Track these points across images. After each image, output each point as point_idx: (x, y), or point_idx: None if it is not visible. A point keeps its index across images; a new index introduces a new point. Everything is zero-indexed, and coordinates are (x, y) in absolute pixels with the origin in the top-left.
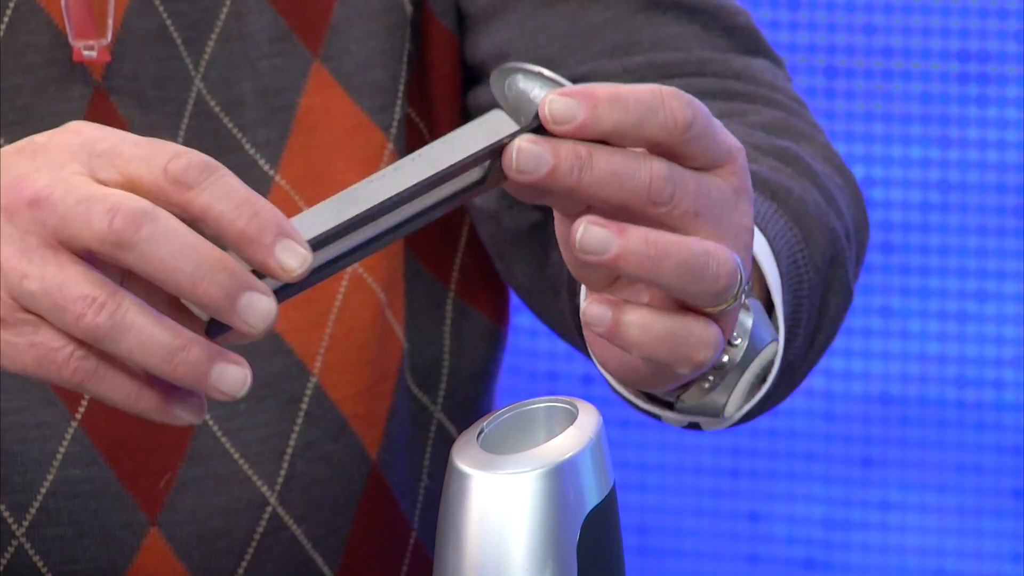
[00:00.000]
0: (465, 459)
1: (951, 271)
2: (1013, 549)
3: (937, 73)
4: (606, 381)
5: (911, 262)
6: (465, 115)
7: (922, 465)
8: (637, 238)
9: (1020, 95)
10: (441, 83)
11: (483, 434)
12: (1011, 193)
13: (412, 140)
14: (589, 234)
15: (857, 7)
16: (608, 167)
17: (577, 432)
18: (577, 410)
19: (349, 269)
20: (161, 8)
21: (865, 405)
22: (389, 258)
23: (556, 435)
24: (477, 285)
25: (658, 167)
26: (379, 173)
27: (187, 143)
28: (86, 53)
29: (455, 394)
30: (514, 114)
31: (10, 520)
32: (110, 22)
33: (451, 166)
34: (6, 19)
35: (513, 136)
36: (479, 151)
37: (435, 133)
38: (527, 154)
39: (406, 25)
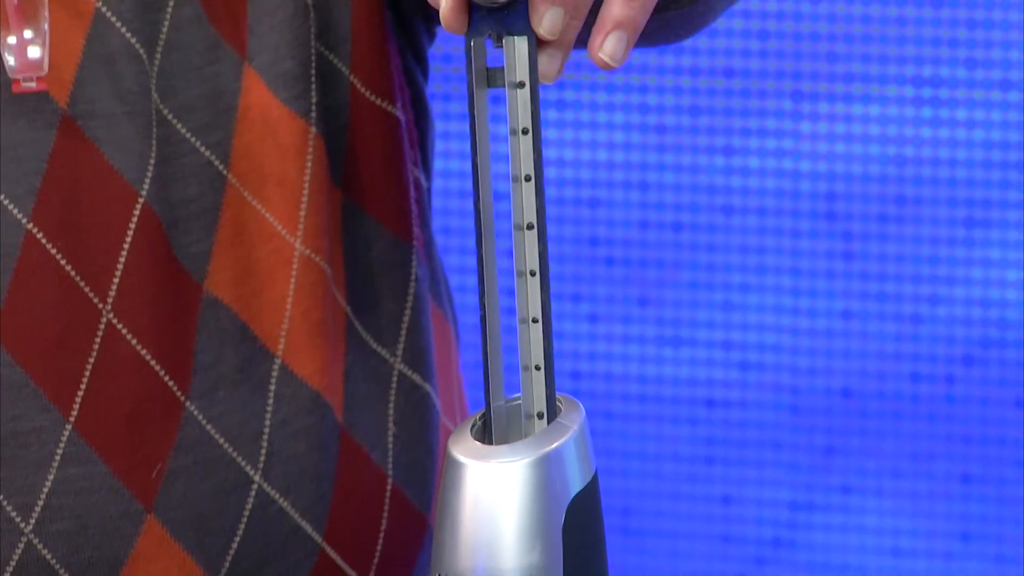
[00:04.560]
0: (461, 449)
1: (906, 277)
2: (961, 529)
3: (894, 97)
4: None
5: (869, 269)
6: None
7: (879, 453)
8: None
9: (968, 117)
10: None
11: (476, 426)
12: (961, 207)
13: (332, 114)
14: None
15: (821, 37)
16: None
17: (562, 425)
18: (562, 404)
19: (296, 253)
20: (121, 27)
21: (827, 399)
22: (333, 230)
23: (543, 430)
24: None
25: None
26: None
27: (159, 159)
28: (25, 84)
29: (412, 346)
30: None
31: (18, 519)
32: (46, 57)
33: None
34: None
35: None
36: None
37: (361, 76)
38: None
39: (307, 11)
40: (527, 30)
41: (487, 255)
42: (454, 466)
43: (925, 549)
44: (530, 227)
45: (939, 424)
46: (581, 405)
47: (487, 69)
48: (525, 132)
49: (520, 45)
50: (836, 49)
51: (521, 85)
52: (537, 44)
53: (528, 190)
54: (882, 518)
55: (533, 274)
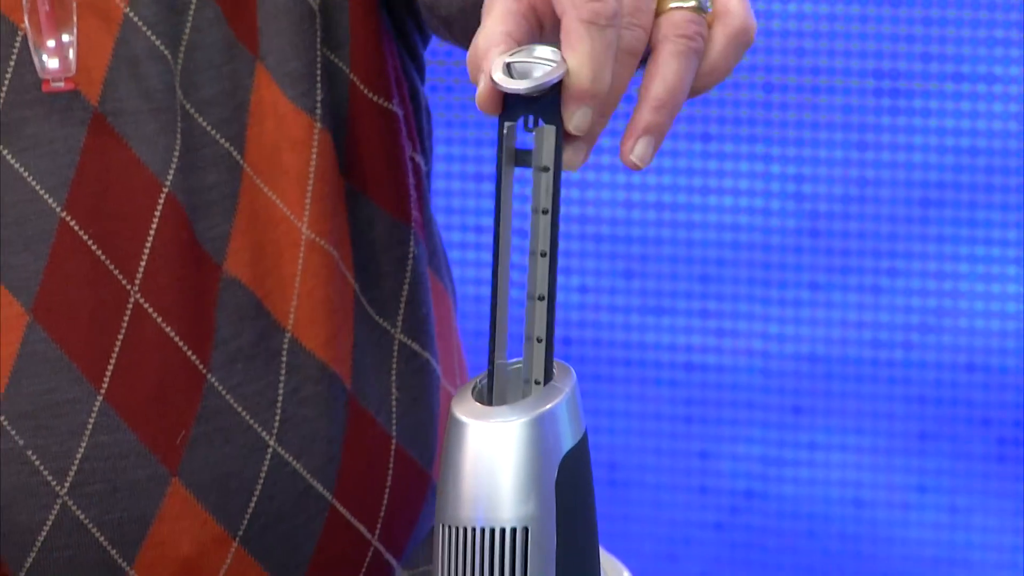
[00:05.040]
0: (463, 410)
1: (867, 252)
2: (917, 482)
3: (856, 88)
4: None
5: (834, 245)
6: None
7: (843, 413)
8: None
9: (923, 106)
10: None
11: (477, 388)
12: (916, 187)
13: (334, 106)
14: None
15: (790, 34)
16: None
17: (555, 388)
18: (555, 369)
19: (303, 237)
20: (147, 31)
21: (796, 363)
22: (337, 216)
23: (539, 393)
24: (429, 216)
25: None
26: None
27: (183, 151)
28: (54, 84)
29: (411, 317)
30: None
31: (54, 483)
32: (74, 59)
33: None
34: (12, 61)
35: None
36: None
37: (359, 74)
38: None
39: (313, 16)
40: (556, 120)
41: (502, 277)
42: (457, 425)
43: (885, 500)
44: (543, 295)
45: (897, 386)
46: (573, 370)
47: (516, 150)
48: (545, 212)
49: (549, 133)
50: (804, 45)
51: (546, 169)
52: (565, 136)
53: (543, 263)
54: (845, 471)
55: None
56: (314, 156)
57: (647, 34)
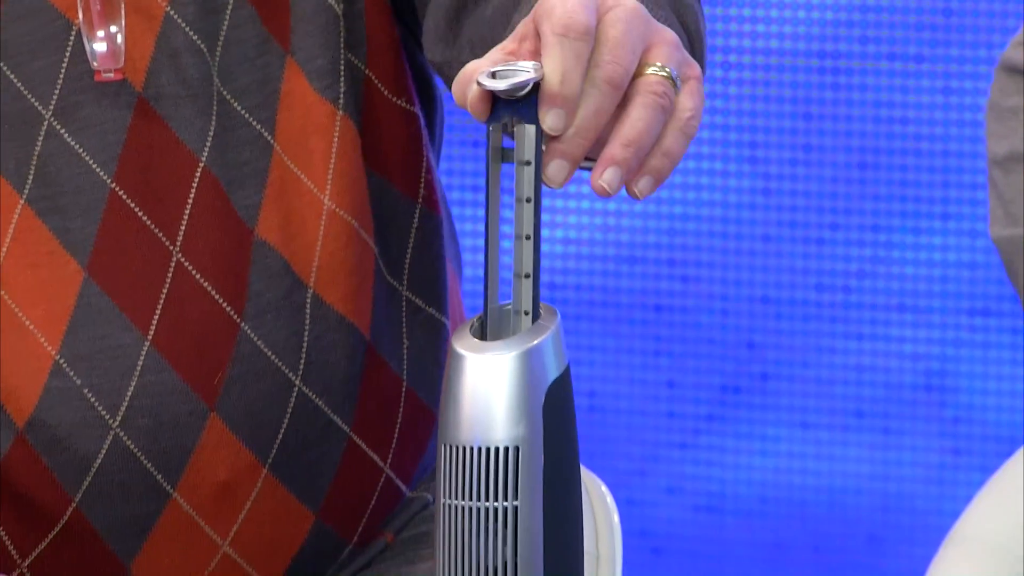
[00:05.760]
0: (461, 344)
1: (812, 208)
2: (855, 407)
3: (802, 67)
4: None
5: (783, 202)
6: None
7: (791, 348)
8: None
9: (860, 82)
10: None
11: (474, 326)
12: (855, 152)
13: (355, 99)
14: (606, 181)
15: (745, 20)
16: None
17: (542, 326)
18: (542, 310)
19: (325, 208)
20: (186, 28)
21: (750, 304)
22: (359, 187)
23: (528, 328)
24: (437, 196)
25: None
26: None
27: (217, 131)
28: (105, 75)
29: (416, 277)
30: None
31: (107, 417)
32: (122, 53)
33: None
34: (68, 52)
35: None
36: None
37: (375, 72)
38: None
39: (338, 20)
40: (535, 120)
41: (492, 260)
42: (456, 358)
43: (827, 424)
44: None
45: (838, 324)
46: (557, 311)
47: (502, 149)
48: (528, 200)
49: (529, 131)
50: (757, 29)
51: (528, 163)
52: (548, 149)
53: (528, 245)
54: (792, 399)
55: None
56: (336, 140)
57: (627, 72)
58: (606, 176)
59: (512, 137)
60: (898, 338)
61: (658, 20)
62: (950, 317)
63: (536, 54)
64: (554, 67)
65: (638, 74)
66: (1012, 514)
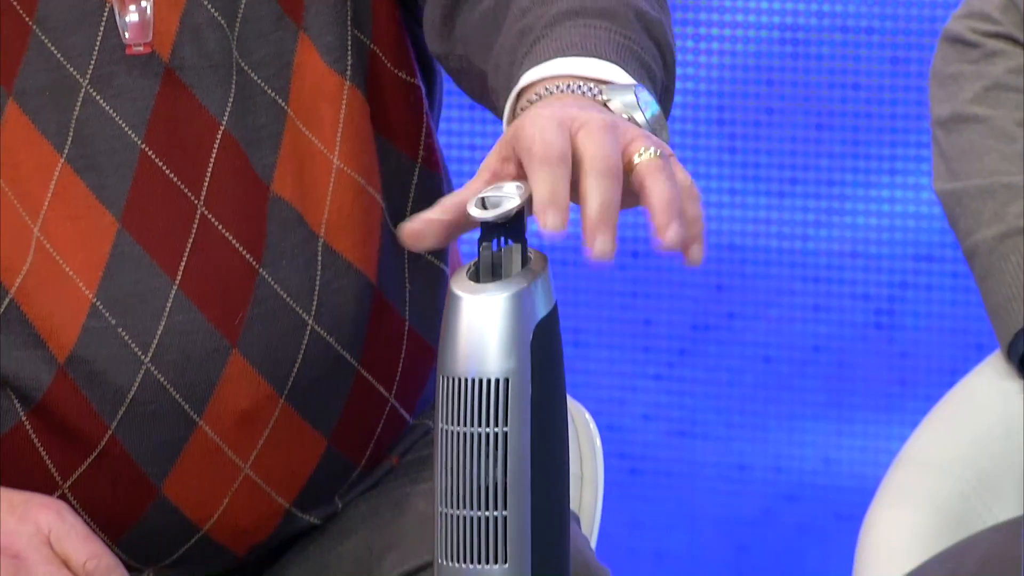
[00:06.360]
0: (459, 286)
1: (773, 165)
2: (812, 343)
3: (765, 38)
4: None
5: (748, 159)
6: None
7: (755, 290)
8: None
9: (817, 52)
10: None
11: (470, 270)
12: (812, 115)
13: (362, 70)
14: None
15: None
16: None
17: (531, 270)
18: (532, 255)
19: (334, 167)
20: (208, 5)
21: (718, 251)
22: (365, 148)
23: (519, 271)
24: (436, 157)
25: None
26: None
27: (236, 98)
28: (135, 48)
29: None
30: None
31: (140, 354)
32: (151, 28)
33: None
34: (102, 28)
35: None
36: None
37: (380, 47)
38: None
39: (345, 3)
40: (521, 239)
41: None
42: (453, 298)
43: (787, 358)
44: None
45: (796, 268)
46: (547, 256)
47: (491, 263)
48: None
49: (516, 248)
50: (724, 4)
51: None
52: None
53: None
54: (756, 335)
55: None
56: (344, 107)
57: (617, 163)
58: (674, 235)
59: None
60: (851, 281)
61: (630, 39)
62: (897, 262)
63: (516, 176)
64: (544, 188)
65: (632, 165)
66: (954, 439)
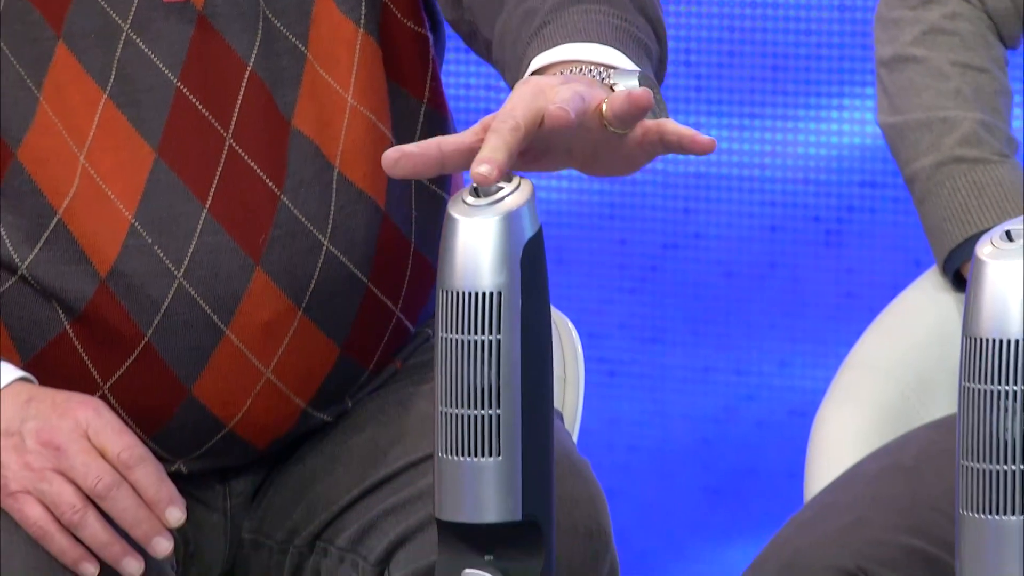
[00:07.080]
0: (455, 210)
1: (735, 101)
2: (769, 259)
3: None
4: None
5: (712, 96)
6: None
7: (718, 212)
8: None
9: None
10: None
11: (467, 196)
12: (769, 56)
13: (375, 20)
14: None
15: None
16: None
17: (519, 194)
18: (520, 181)
19: (348, 105)
20: None
21: (686, 179)
22: (376, 89)
23: (508, 196)
24: (442, 98)
25: None
26: None
27: (262, 43)
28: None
29: None
30: None
31: (173, 269)
32: None
33: None
34: None
35: None
36: None
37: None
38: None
39: None
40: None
41: None
42: (451, 220)
43: (747, 273)
44: None
45: (755, 194)
46: (532, 183)
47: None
48: None
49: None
50: None
51: None
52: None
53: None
54: (719, 254)
55: None
56: (357, 52)
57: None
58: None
59: None
60: (803, 204)
61: (627, 21)
62: (845, 188)
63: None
64: (486, 148)
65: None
66: (895, 345)
